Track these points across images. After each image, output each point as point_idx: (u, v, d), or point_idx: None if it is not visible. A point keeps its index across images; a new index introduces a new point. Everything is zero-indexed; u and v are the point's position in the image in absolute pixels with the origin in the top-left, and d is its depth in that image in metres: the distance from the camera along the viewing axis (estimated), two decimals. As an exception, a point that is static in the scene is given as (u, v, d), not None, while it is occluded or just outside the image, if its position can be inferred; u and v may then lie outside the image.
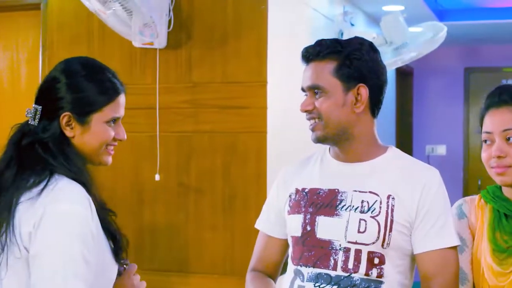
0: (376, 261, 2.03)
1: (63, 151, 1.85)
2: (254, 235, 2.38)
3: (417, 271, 2.11)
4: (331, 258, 2.04)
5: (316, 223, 2.08)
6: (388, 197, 2.05)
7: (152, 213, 3.88)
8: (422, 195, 2.05)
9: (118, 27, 3.59)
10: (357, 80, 2.07)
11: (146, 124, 3.86)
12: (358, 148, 2.12)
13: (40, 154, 1.84)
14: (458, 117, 8.17)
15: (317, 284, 2.04)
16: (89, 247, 1.75)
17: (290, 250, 2.17)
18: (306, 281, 2.06)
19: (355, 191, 2.08)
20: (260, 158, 3.67)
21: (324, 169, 2.17)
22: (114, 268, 1.87)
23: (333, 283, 2.03)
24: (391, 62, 5.05)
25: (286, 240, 2.23)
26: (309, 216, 2.10)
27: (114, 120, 1.92)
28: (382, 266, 2.03)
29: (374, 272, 2.02)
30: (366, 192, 2.07)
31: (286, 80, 3.92)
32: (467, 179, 8.11)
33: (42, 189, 1.77)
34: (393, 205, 2.04)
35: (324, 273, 2.04)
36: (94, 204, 1.82)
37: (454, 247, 2.06)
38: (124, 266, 1.94)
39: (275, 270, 2.29)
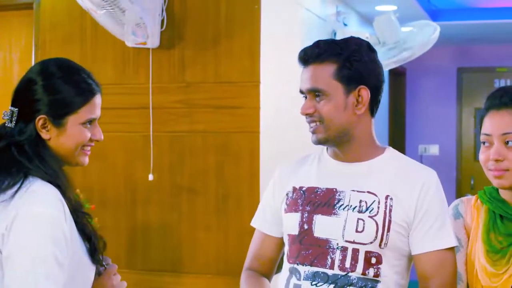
0: (373, 260, 2.03)
1: (38, 153, 1.85)
2: (248, 235, 2.38)
3: (413, 270, 2.12)
4: (328, 257, 2.04)
5: (313, 221, 2.08)
6: (386, 197, 2.05)
7: (145, 213, 3.88)
8: (421, 195, 2.05)
9: (111, 27, 3.59)
10: (358, 82, 2.07)
11: (139, 124, 3.86)
12: (357, 148, 2.12)
13: (15, 156, 1.83)
14: (451, 117, 8.18)
15: (314, 283, 2.04)
16: (61, 249, 1.75)
17: (286, 248, 2.16)
18: (303, 280, 2.06)
19: (353, 190, 2.08)
20: (253, 158, 3.68)
21: (322, 168, 2.17)
22: (91, 268, 1.88)
23: (330, 281, 2.03)
24: (385, 63, 5.05)
25: (282, 239, 2.22)
26: (306, 215, 2.10)
27: (90, 121, 1.91)
28: (379, 266, 2.03)
29: (371, 272, 2.03)
30: (364, 192, 2.07)
31: (279, 80, 3.92)
32: (460, 178, 8.13)
33: (16, 191, 1.77)
34: (391, 206, 2.05)
35: (321, 272, 2.04)
36: (69, 206, 1.82)
37: (452, 248, 2.07)
38: (105, 266, 1.94)
39: (270, 268, 2.28)
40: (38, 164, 1.83)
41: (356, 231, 2.04)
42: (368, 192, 2.07)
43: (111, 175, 3.91)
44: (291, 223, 2.13)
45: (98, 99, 1.93)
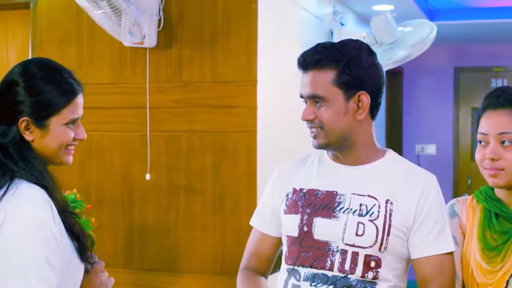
0: (373, 264, 2.04)
1: (23, 155, 1.84)
2: (245, 234, 2.38)
3: (411, 271, 2.13)
4: (328, 259, 2.05)
5: (313, 224, 2.08)
6: (387, 201, 2.06)
7: (142, 212, 3.88)
8: (421, 199, 2.06)
9: (108, 27, 3.59)
10: (357, 88, 2.06)
11: (137, 124, 3.86)
12: (358, 152, 2.12)
13: (0, 159, 1.83)
14: (448, 116, 8.18)
15: (313, 284, 2.05)
16: (52, 250, 1.75)
17: (285, 249, 2.17)
18: (303, 281, 2.07)
19: (354, 194, 2.08)
20: (250, 157, 3.68)
21: (322, 171, 2.17)
22: (80, 267, 1.88)
23: (329, 283, 2.04)
24: (383, 64, 5.03)
25: (280, 239, 2.23)
26: (306, 217, 2.10)
27: (73, 121, 1.90)
28: (378, 270, 2.04)
29: (370, 275, 2.04)
30: (364, 195, 2.08)
31: (276, 79, 3.93)
32: (457, 178, 8.13)
33: (3, 195, 1.77)
34: (391, 210, 2.05)
35: (321, 273, 2.05)
36: (56, 207, 1.81)
37: (451, 252, 2.08)
38: (92, 263, 1.94)
39: (267, 267, 2.29)
40: (23, 166, 1.82)
41: (356, 234, 2.04)
42: (369, 195, 2.07)
43: (108, 174, 3.91)
44: (290, 225, 2.13)
45: (80, 99, 1.91)
